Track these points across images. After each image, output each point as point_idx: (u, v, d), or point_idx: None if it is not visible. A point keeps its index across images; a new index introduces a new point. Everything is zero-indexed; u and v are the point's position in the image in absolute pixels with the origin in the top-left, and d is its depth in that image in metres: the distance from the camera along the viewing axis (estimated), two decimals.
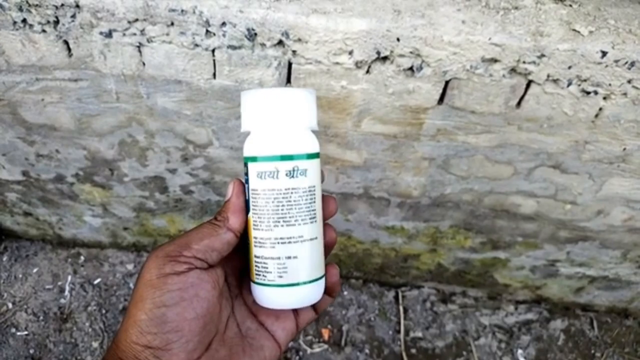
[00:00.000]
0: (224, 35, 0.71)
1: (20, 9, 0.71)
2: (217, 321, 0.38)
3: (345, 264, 1.31)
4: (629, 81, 0.71)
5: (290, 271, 0.38)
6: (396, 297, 1.35)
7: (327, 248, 0.42)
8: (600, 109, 0.77)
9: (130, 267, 1.36)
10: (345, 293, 1.35)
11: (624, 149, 0.84)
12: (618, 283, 1.23)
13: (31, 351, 1.20)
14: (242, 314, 0.42)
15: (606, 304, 1.34)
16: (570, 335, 1.32)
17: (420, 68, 0.73)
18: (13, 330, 1.22)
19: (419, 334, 1.29)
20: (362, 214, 1.10)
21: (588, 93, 0.74)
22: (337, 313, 1.31)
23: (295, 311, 0.43)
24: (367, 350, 1.25)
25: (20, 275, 1.32)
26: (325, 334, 1.27)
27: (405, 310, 1.33)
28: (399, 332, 1.29)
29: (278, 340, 0.42)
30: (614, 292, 1.28)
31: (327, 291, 0.42)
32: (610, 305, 1.34)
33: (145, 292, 0.34)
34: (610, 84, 0.72)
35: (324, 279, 0.41)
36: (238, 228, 0.39)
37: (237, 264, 0.43)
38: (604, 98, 0.75)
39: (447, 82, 0.75)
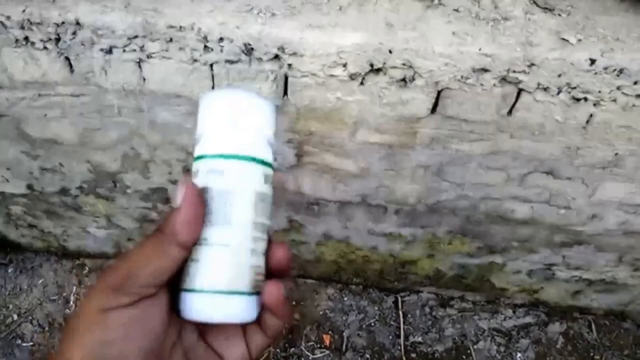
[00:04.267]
0: (221, 51, 0.73)
1: (22, 27, 0.73)
2: (161, 353, 0.34)
3: (345, 271, 1.33)
4: (618, 88, 0.73)
5: (190, 275, 0.35)
6: (395, 303, 1.36)
7: (277, 269, 0.38)
8: (591, 115, 0.78)
9: None
10: (346, 299, 1.36)
11: (616, 154, 0.85)
12: (615, 286, 1.24)
13: None
14: (190, 338, 0.38)
15: (604, 307, 1.35)
16: (569, 339, 1.33)
17: (412, 79, 0.74)
18: (19, 341, 1.24)
19: (419, 339, 1.30)
20: (360, 221, 1.12)
21: (578, 100, 0.76)
22: (338, 319, 1.32)
23: (245, 333, 0.38)
24: (367, 355, 1.26)
25: (26, 287, 1.34)
26: (327, 339, 1.28)
27: (405, 315, 1.34)
28: (399, 336, 1.30)
29: None
30: (612, 295, 1.29)
31: (273, 311, 0.37)
32: (608, 308, 1.35)
33: (83, 328, 0.31)
34: (599, 91, 0.74)
35: (249, 297, 0.36)
36: (190, 240, 0.34)
37: None
38: (594, 105, 0.76)
39: (439, 92, 0.77)
